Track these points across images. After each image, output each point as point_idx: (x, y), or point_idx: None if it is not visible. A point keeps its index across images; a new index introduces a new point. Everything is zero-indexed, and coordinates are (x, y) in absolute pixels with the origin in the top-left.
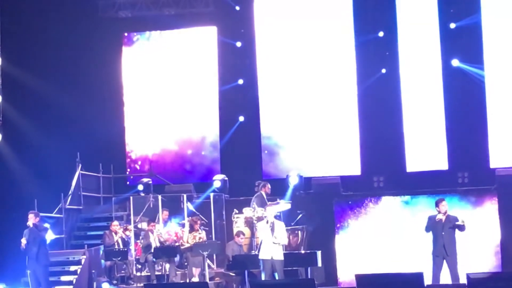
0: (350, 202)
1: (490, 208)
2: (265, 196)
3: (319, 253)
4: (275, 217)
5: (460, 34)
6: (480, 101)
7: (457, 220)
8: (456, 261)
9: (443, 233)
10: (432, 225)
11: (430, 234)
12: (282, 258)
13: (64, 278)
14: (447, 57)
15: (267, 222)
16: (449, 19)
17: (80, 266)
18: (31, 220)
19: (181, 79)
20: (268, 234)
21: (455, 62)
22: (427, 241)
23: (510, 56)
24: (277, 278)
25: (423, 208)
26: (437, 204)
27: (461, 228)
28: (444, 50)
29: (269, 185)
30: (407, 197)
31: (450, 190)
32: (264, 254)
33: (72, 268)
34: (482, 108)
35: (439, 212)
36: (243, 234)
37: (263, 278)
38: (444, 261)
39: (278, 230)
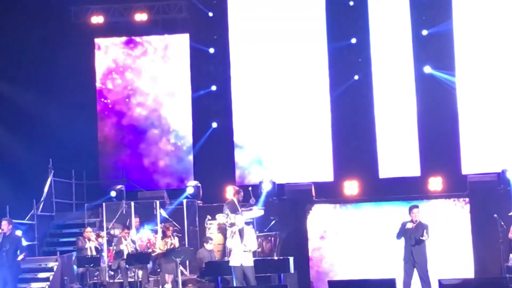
0: (323, 208)
1: (462, 214)
2: (236, 203)
3: (291, 259)
4: (246, 223)
5: (432, 41)
6: (452, 108)
7: (426, 228)
8: (426, 268)
9: (411, 240)
10: (403, 231)
11: (402, 240)
12: (252, 264)
13: (36, 285)
14: (419, 64)
15: (235, 228)
16: (421, 26)
17: (53, 273)
18: (7, 227)
19: (154, 85)
20: (237, 241)
21: (427, 69)
22: (400, 247)
23: (481, 63)
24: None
25: (396, 214)
26: (409, 211)
27: (422, 240)
28: (416, 56)
29: (242, 193)
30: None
31: (422, 196)
32: (234, 261)
33: (45, 275)
34: (454, 115)
35: (411, 219)
36: (211, 239)
37: (234, 285)
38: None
39: (247, 237)
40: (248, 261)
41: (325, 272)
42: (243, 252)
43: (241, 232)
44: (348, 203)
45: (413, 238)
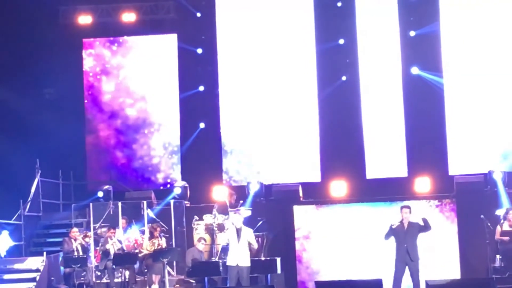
0: (310, 209)
1: (449, 215)
2: (228, 205)
3: (278, 259)
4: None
5: (420, 42)
6: (439, 109)
7: (419, 226)
8: (419, 267)
9: (406, 239)
10: (394, 232)
11: (393, 241)
12: (248, 264)
13: (22, 285)
14: (406, 65)
15: (234, 227)
16: (408, 27)
17: (39, 273)
18: None
19: (142, 86)
20: (234, 240)
21: (415, 70)
22: (387, 248)
23: (468, 64)
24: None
25: (383, 214)
26: (400, 210)
27: (426, 227)
28: (403, 57)
29: (235, 196)
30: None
31: (410, 196)
32: (230, 260)
33: (31, 275)
34: (441, 116)
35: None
36: (204, 240)
37: (228, 285)
38: (407, 267)
39: (249, 236)
40: (245, 261)
41: (312, 272)
42: (239, 251)
43: (238, 231)
44: (335, 204)
45: (409, 236)
